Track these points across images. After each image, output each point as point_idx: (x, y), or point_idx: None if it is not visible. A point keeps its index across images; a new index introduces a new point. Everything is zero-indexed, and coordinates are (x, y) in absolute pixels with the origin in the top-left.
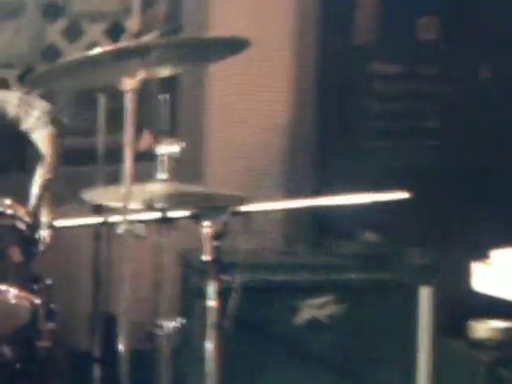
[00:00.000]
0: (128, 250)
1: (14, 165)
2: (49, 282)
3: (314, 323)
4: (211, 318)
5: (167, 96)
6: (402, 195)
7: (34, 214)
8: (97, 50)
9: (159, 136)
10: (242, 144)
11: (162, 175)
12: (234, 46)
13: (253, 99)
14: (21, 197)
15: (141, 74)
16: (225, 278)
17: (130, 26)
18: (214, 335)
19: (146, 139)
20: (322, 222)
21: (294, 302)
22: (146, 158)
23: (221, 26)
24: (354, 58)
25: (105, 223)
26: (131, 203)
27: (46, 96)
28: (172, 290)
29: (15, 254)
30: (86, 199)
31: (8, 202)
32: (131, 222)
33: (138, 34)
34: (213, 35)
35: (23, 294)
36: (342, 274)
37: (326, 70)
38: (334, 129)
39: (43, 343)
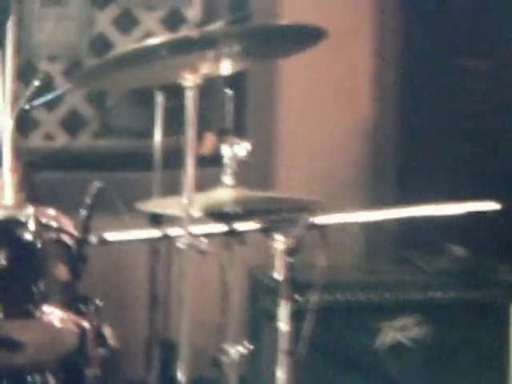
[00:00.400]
0: (189, 267)
1: None
2: (99, 303)
3: (396, 347)
4: (283, 343)
5: (233, 92)
6: (493, 206)
7: (83, 227)
8: (153, 41)
9: (224, 137)
10: (317, 146)
11: (227, 181)
12: (308, 36)
13: (330, 97)
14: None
15: (204, 69)
16: (298, 298)
17: (191, 14)
18: (285, 362)
19: (209, 141)
20: (405, 236)
21: (375, 323)
22: (209, 163)
23: (292, 17)
24: (440, 52)
25: (163, 237)
26: (193, 213)
27: (95, 94)
28: (239, 311)
29: (61, 272)
30: (142, 209)
31: (52, 212)
32: (193, 236)
33: (200, 24)
34: (284, 23)
35: (70, 316)
36: (428, 292)
37: (410, 66)
38: (419, 131)
39: (93, 371)
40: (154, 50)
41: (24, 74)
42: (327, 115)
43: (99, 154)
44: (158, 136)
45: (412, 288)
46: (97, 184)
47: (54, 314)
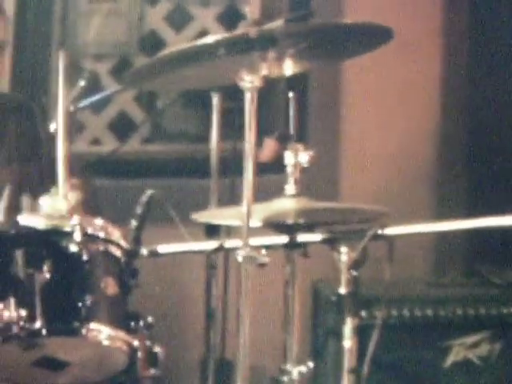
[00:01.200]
0: (248, 281)
1: None
2: (150, 319)
3: (466, 365)
4: (347, 362)
5: (295, 95)
6: None
7: (134, 238)
8: (209, 40)
9: (286, 144)
10: (383, 152)
11: (289, 189)
12: (373, 37)
13: (396, 100)
14: None
15: (263, 70)
16: (363, 313)
17: (248, 11)
18: (349, 381)
19: (268, 147)
20: (476, 248)
21: (444, 340)
22: (270, 170)
23: (357, 16)
24: (510, 55)
25: (220, 249)
26: (252, 224)
27: (146, 95)
28: (301, 328)
29: (109, 286)
30: (198, 219)
31: (100, 222)
32: (253, 248)
33: (258, 21)
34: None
35: (119, 334)
36: (500, 307)
37: (480, 69)
38: (489, 137)
39: None
40: (210, 48)
41: (69, 74)
42: (393, 120)
43: (150, 160)
44: (214, 141)
45: (483, 303)
46: (148, 192)
47: (101, 332)
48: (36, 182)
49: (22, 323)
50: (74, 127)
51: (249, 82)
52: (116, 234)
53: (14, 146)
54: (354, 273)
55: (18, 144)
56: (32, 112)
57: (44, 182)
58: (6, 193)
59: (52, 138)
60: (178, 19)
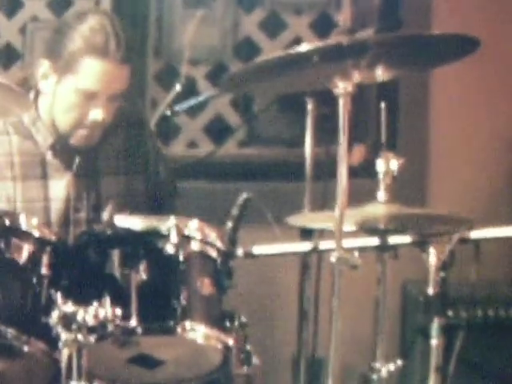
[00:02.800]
0: (340, 281)
1: None
2: (244, 319)
3: None
4: (434, 360)
5: (386, 104)
6: None
7: (229, 239)
8: (305, 47)
9: (376, 149)
10: (472, 159)
11: (380, 194)
12: (461, 46)
13: (483, 108)
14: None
15: (356, 77)
16: (450, 313)
17: (340, 19)
18: (436, 380)
19: (357, 152)
20: None
21: None
22: (362, 174)
23: (446, 23)
24: None
25: (314, 251)
26: (345, 227)
27: (241, 99)
28: (390, 327)
29: (205, 286)
30: (292, 222)
31: (196, 223)
32: (345, 250)
33: (350, 30)
34: (438, 32)
35: (213, 332)
36: None
37: None
38: None
39: None
40: (305, 56)
41: (165, 78)
42: (480, 128)
43: (245, 163)
44: (308, 145)
45: None
46: (244, 194)
47: (196, 330)
48: (141, 196)
49: (117, 322)
50: (171, 130)
51: (342, 88)
52: (212, 236)
53: (123, 158)
54: (442, 274)
55: (126, 156)
56: (142, 123)
57: (150, 198)
58: (111, 205)
59: (160, 151)
60: (272, 26)
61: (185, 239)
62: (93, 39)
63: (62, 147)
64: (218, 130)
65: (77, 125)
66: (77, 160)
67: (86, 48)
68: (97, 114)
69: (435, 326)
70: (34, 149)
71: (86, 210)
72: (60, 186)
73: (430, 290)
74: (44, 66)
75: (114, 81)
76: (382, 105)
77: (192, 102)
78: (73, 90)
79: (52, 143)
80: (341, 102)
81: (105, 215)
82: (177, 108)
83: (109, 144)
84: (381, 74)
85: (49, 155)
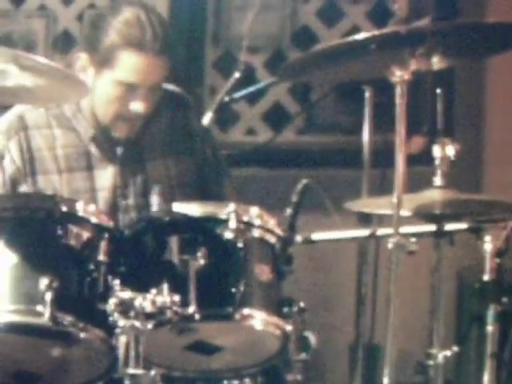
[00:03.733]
0: (397, 268)
1: None
2: (302, 305)
3: None
4: (490, 347)
5: (442, 91)
6: None
7: (289, 226)
8: (363, 36)
9: (434, 137)
10: None
11: (437, 181)
12: None
13: None
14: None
15: (412, 65)
16: (506, 300)
17: (397, 8)
18: (492, 366)
19: (416, 141)
20: None
21: None
22: (419, 162)
23: (502, 12)
24: None
25: (371, 236)
26: (403, 213)
27: (300, 87)
28: (447, 314)
29: (263, 273)
30: (350, 208)
31: (256, 210)
32: (402, 236)
33: (407, 19)
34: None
35: (272, 319)
36: None
37: None
38: None
39: (294, 377)
40: (363, 44)
41: (223, 65)
42: None
43: (304, 151)
44: (366, 133)
45: None
46: (304, 181)
47: (254, 317)
48: (188, 178)
49: (175, 308)
50: (230, 117)
51: (399, 77)
52: (271, 222)
53: (169, 141)
54: (497, 260)
55: (172, 139)
56: (187, 105)
57: (197, 180)
58: (160, 188)
59: (207, 133)
60: (330, 15)
61: (244, 225)
62: (128, 32)
63: (104, 139)
64: (276, 118)
65: (118, 117)
66: (120, 150)
67: (122, 41)
68: (138, 106)
69: (491, 312)
70: (78, 141)
71: (134, 196)
72: (106, 176)
73: (486, 277)
74: (82, 59)
75: (153, 72)
76: (438, 91)
77: (251, 89)
78: (112, 83)
79: (93, 135)
80: (398, 90)
81: (153, 199)
82: (236, 95)
83: (153, 128)
84: (437, 62)
85: (91, 146)
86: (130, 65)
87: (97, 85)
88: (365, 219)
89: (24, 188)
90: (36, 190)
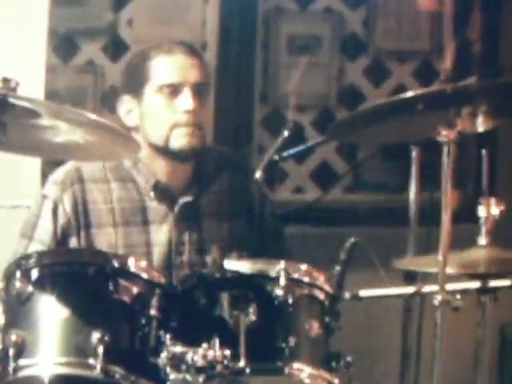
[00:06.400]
0: (442, 323)
1: None
2: (349, 359)
3: None
4: None
5: (487, 152)
6: None
7: (337, 283)
8: (410, 95)
9: (476, 195)
10: None
11: (482, 239)
12: None
13: None
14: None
15: (459, 125)
16: None
17: (443, 67)
18: None
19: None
20: None
21: None
22: (464, 219)
23: None
24: None
25: (417, 293)
26: (448, 271)
27: (347, 146)
28: (490, 369)
29: (313, 328)
30: (397, 265)
31: (305, 267)
32: (448, 292)
33: (452, 78)
34: None
35: (320, 373)
36: None
37: None
38: None
39: None
40: (411, 102)
41: (271, 124)
42: None
43: (351, 209)
44: (413, 191)
45: None
46: (352, 239)
47: (303, 371)
48: (244, 241)
49: (225, 362)
50: (278, 176)
51: (445, 136)
52: (320, 279)
53: (226, 202)
54: None
55: (230, 200)
56: (246, 169)
57: (254, 242)
58: (214, 251)
59: (265, 195)
60: (376, 73)
61: (294, 282)
62: (155, 44)
63: (164, 189)
64: (324, 176)
65: (172, 125)
66: (181, 201)
67: (151, 52)
68: (186, 103)
69: None
70: (135, 194)
71: (189, 253)
72: (162, 231)
73: None
74: (125, 101)
75: (190, 70)
76: (483, 152)
77: (299, 148)
78: (155, 93)
79: (154, 183)
80: (444, 149)
81: (209, 259)
82: (285, 154)
83: (212, 187)
84: (482, 122)
85: (150, 197)
86: (164, 66)
87: (143, 110)
88: (410, 276)
89: (74, 240)
90: (90, 243)
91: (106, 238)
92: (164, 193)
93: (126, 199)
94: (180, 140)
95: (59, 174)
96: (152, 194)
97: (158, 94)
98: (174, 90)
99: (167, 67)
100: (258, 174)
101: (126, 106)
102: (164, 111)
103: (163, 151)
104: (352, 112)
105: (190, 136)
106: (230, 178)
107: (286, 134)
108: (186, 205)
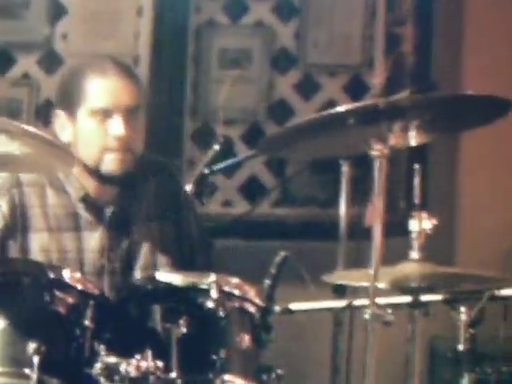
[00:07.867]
0: (372, 337)
1: None
2: (280, 372)
3: None
4: None
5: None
6: None
7: (268, 296)
8: (340, 109)
9: (408, 210)
10: (499, 222)
11: (413, 254)
12: (493, 108)
13: None
14: None
15: (391, 140)
16: (478, 370)
17: (373, 81)
18: None
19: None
20: None
21: None
22: (395, 233)
23: (477, 85)
24: None
25: (348, 307)
26: (379, 285)
27: (276, 161)
28: (420, 382)
29: (244, 340)
30: (326, 279)
31: (236, 280)
32: (379, 307)
33: (384, 92)
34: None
35: None
36: None
37: None
38: None
39: None
40: (342, 117)
41: (201, 138)
42: (509, 191)
43: (280, 223)
44: (343, 206)
45: None
46: (281, 254)
47: (234, 383)
48: (172, 243)
49: (158, 373)
50: (208, 189)
51: (378, 151)
52: (251, 292)
53: (155, 206)
54: (472, 331)
55: (157, 203)
56: (174, 174)
57: (181, 249)
58: (144, 251)
59: (191, 198)
60: (307, 88)
61: (225, 295)
62: (89, 64)
63: (93, 201)
64: (252, 190)
65: (103, 148)
66: (108, 213)
67: (85, 72)
68: (117, 128)
69: (465, 381)
70: (67, 202)
71: (120, 259)
72: (93, 238)
73: (461, 347)
74: (59, 116)
75: (122, 94)
76: (416, 166)
77: (230, 162)
78: (87, 116)
79: (82, 196)
80: (376, 164)
81: (141, 262)
82: (215, 168)
83: (141, 193)
84: (415, 137)
85: (80, 209)
86: (97, 90)
87: (77, 130)
88: (340, 290)
89: (12, 244)
90: (25, 246)
91: (39, 242)
92: (93, 205)
93: (59, 205)
94: (111, 165)
95: None
96: (81, 206)
97: (90, 117)
98: (106, 114)
99: (100, 91)
100: (188, 188)
101: (60, 122)
102: (95, 135)
103: (93, 172)
104: (282, 126)
105: (121, 161)
106: (158, 182)
107: (216, 147)
108: (115, 213)
